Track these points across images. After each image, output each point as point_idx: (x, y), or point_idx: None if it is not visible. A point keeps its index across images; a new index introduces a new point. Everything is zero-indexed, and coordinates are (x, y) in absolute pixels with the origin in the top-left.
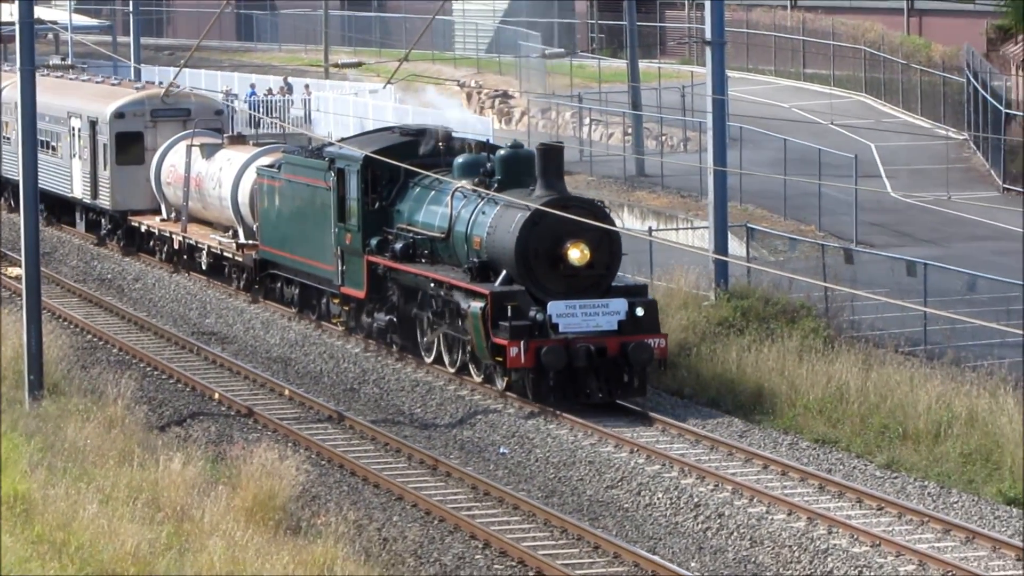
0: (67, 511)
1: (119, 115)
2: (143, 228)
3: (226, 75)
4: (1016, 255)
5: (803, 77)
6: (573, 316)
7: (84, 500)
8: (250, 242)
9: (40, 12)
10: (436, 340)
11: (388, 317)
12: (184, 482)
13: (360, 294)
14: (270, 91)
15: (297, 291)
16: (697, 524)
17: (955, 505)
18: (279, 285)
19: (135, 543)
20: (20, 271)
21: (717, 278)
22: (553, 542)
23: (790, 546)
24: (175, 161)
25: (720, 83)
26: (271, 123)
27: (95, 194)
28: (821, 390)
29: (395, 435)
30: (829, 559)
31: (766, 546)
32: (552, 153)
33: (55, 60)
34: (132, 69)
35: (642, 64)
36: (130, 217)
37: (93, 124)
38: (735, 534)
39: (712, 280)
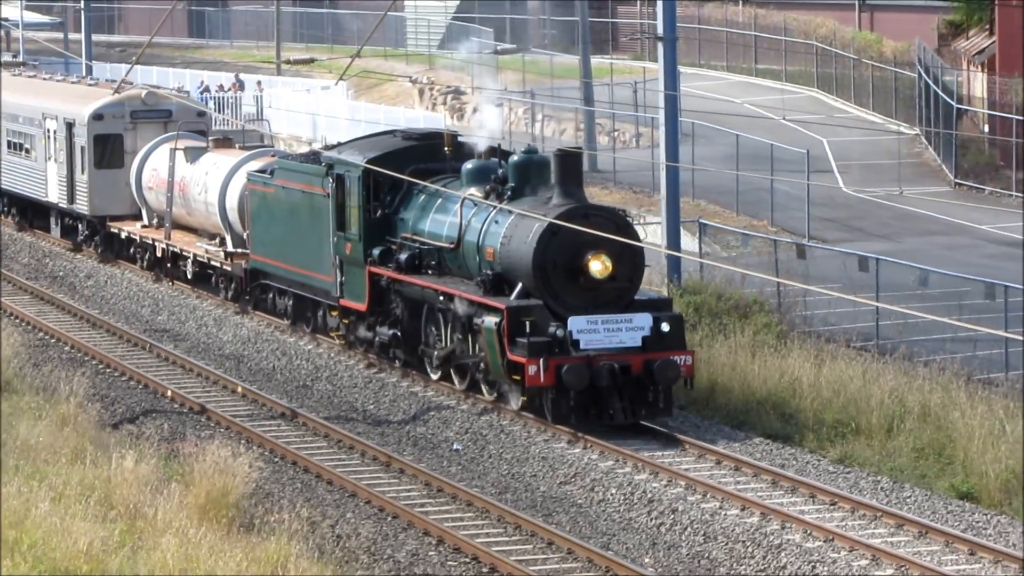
0: (19, 509)
1: (98, 117)
2: (123, 234)
3: (178, 72)
4: (968, 249)
5: (755, 73)
6: (595, 332)
7: (36, 498)
8: (239, 251)
9: None
10: (444, 357)
11: (392, 331)
12: (137, 479)
13: (361, 307)
14: (221, 87)
15: (291, 303)
16: (651, 520)
17: (908, 500)
18: (271, 296)
19: (88, 541)
20: None
21: (670, 274)
22: (507, 538)
23: (743, 541)
24: (157, 165)
25: (672, 79)
26: (223, 120)
27: (72, 198)
28: (774, 385)
29: (348, 431)
30: (783, 554)
31: (719, 541)
32: (570, 159)
33: (6, 57)
34: (84, 66)
35: (594, 60)
36: (109, 223)
37: (70, 126)
38: (689, 529)
39: (665, 276)
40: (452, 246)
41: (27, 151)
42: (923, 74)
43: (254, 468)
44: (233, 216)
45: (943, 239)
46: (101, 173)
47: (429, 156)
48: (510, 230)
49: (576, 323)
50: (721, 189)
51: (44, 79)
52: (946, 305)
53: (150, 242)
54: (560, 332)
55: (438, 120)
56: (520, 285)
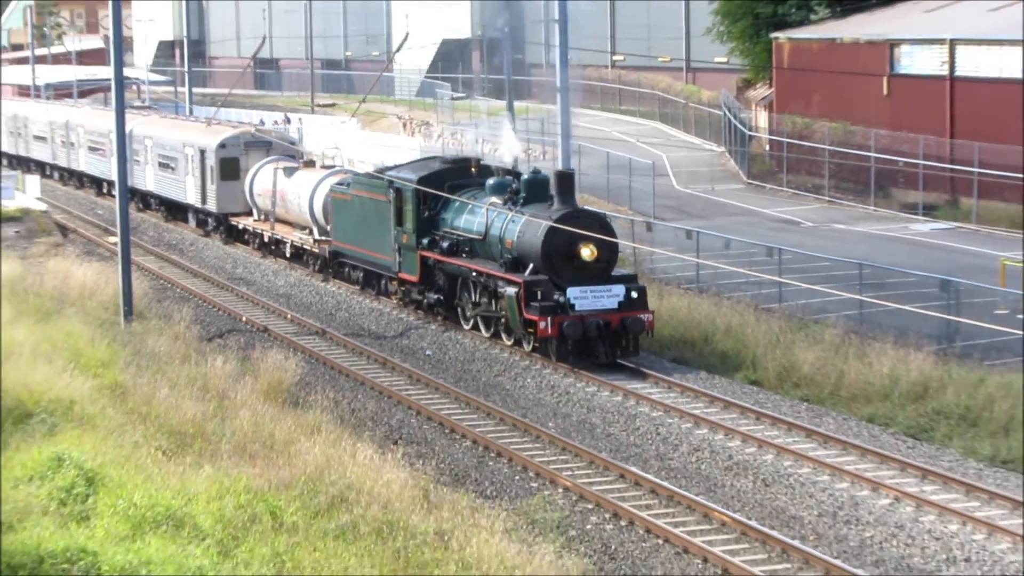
0: (148, 393)
1: (222, 145)
2: (240, 226)
3: (248, 112)
4: (755, 226)
5: (620, 111)
6: (585, 298)
7: (159, 386)
8: (323, 238)
9: (127, 71)
10: (475, 315)
11: (436, 296)
12: (224, 374)
13: (415, 279)
14: (276, 122)
15: (361, 275)
16: (553, 399)
17: (716, 386)
18: (347, 269)
19: (193, 413)
20: (116, 239)
21: None
22: (460, 410)
23: (611, 411)
24: (264, 179)
25: (566, 115)
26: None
27: (204, 200)
28: None
29: (359, 343)
30: (637, 420)
31: (596, 412)
32: (566, 177)
33: (137, 103)
34: (188, 108)
35: (516, 103)
36: (231, 218)
37: (202, 152)
38: (577, 405)
39: None
40: (481, 238)
41: (173, 169)
42: (727, 112)
43: (299, 367)
44: (319, 214)
45: (740, 219)
46: (225, 184)
47: (461, 175)
48: (523, 227)
49: (573, 292)
50: (598, 187)
51: (181, 119)
52: (741, 260)
53: (260, 232)
54: (562, 299)
55: (415, 142)
56: (531, 265)
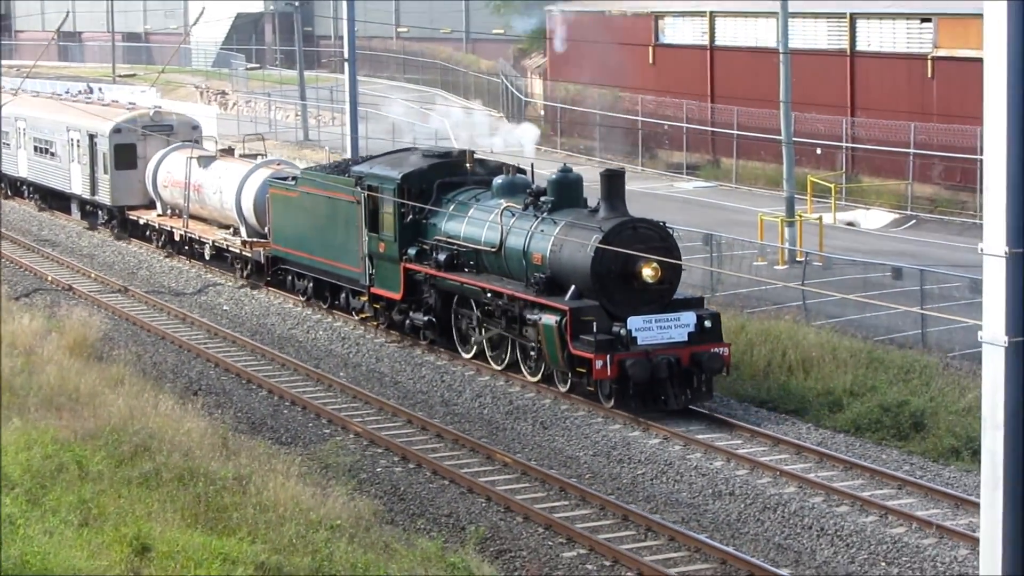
0: None
1: (117, 130)
2: (142, 221)
3: (52, 82)
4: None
5: (405, 80)
6: (650, 329)
7: None
8: (256, 239)
9: None
10: (481, 341)
11: (427, 318)
12: (31, 331)
13: (396, 296)
14: (80, 91)
15: (310, 285)
16: (344, 349)
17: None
18: (290, 278)
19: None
20: None
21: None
22: (256, 361)
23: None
24: (171, 168)
25: (353, 84)
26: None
27: (94, 191)
28: None
29: (159, 300)
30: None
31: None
32: (615, 178)
33: None
34: None
35: (307, 73)
36: (128, 211)
37: (92, 137)
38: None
39: None
40: (494, 250)
41: (52, 154)
42: (504, 79)
43: (103, 323)
44: (248, 212)
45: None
46: (120, 173)
47: (453, 171)
48: (561, 239)
49: (634, 322)
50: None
51: (63, 100)
52: None
53: (168, 228)
54: (623, 331)
55: (212, 111)
56: (573, 287)
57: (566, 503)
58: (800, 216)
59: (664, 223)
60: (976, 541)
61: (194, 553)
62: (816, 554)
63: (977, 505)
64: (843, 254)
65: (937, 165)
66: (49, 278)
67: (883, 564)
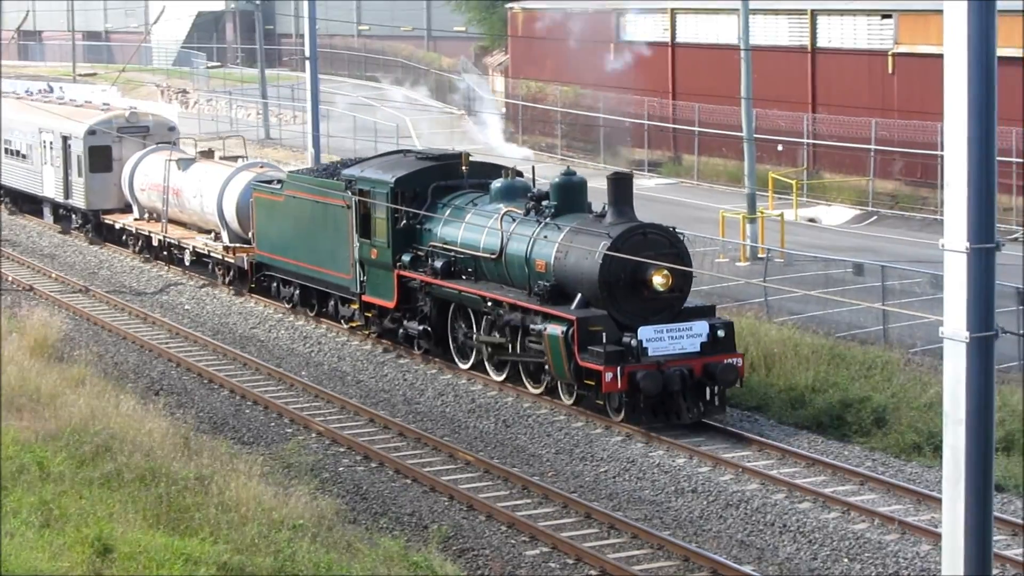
0: None
1: (91, 132)
2: (118, 225)
3: (11, 81)
4: None
5: (366, 78)
6: (661, 340)
7: None
8: (239, 245)
9: None
10: (479, 351)
11: (422, 327)
12: None
13: (389, 304)
14: (40, 90)
15: (296, 292)
16: (306, 348)
17: None
18: (275, 284)
19: None
20: None
21: None
22: (217, 361)
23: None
24: (149, 171)
25: (314, 83)
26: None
27: (68, 195)
28: None
29: (120, 300)
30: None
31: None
32: (623, 182)
33: None
34: None
35: (268, 71)
36: (104, 215)
37: (65, 139)
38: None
39: None
40: (494, 256)
41: (23, 156)
42: (465, 78)
43: (64, 324)
44: (230, 216)
45: None
46: (94, 176)
47: (447, 174)
48: (565, 245)
49: (645, 332)
50: (344, 150)
51: (33, 100)
52: None
53: (146, 233)
54: (633, 342)
55: (173, 109)
56: (579, 296)
57: (529, 501)
58: (762, 212)
59: (674, 228)
60: (938, 536)
61: (156, 554)
62: (779, 551)
63: (939, 500)
64: (805, 250)
65: (898, 161)
66: (10, 278)
67: (845, 560)
